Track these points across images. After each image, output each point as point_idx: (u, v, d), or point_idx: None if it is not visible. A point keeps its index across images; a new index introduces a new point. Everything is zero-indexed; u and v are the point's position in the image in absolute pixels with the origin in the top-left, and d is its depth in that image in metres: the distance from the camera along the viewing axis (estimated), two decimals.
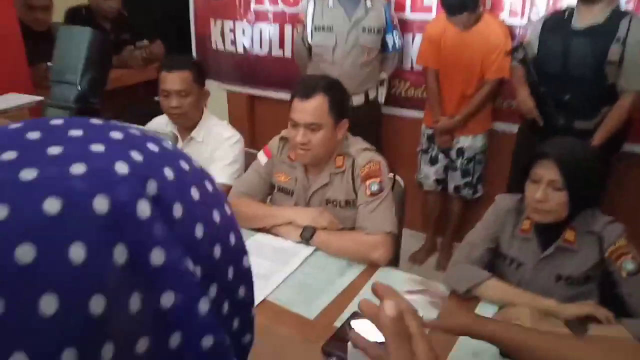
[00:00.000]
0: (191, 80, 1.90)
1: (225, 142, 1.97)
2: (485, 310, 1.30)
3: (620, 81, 2.04)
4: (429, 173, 2.84)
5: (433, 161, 2.81)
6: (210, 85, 3.68)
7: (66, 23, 2.84)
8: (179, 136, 2.01)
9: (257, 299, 1.33)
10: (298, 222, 1.59)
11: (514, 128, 2.59)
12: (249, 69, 3.48)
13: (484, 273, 1.35)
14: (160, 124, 2.07)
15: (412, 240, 3.04)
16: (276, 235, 1.64)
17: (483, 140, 2.69)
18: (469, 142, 2.68)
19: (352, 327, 1.06)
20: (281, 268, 1.48)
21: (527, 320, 1.16)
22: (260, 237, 1.64)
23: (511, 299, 1.28)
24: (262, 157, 1.75)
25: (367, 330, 1.08)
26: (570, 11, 2.12)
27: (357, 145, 1.64)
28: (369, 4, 2.60)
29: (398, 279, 1.44)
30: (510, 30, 2.50)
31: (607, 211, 1.95)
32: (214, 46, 3.61)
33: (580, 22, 2.07)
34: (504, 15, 2.56)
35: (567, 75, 2.10)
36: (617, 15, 2.01)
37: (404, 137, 3.04)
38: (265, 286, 1.40)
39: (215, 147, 1.97)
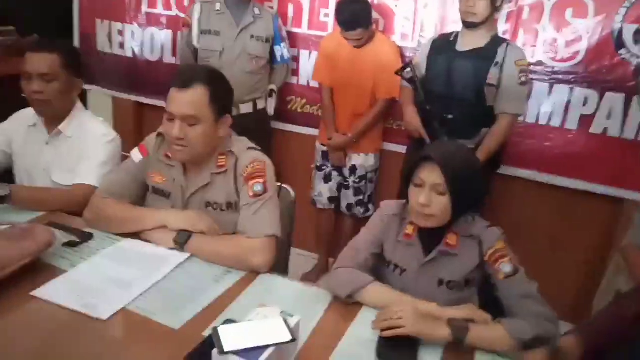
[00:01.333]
0: (58, 65, 1.68)
1: (99, 139, 1.76)
2: (367, 315, 1.23)
3: (497, 104, 2.16)
4: (322, 191, 2.82)
5: (327, 179, 2.79)
6: (95, 90, 3.40)
7: None
8: (45, 129, 1.77)
9: (114, 308, 1.15)
10: (172, 226, 1.43)
11: (404, 149, 2.66)
12: (138, 74, 3.26)
13: (367, 277, 1.30)
14: (27, 116, 1.82)
15: (303, 260, 2.97)
16: (146, 241, 1.46)
17: (374, 159, 2.73)
18: (362, 160, 2.70)
19: (219, 331, 0.94)
20: (147, 275, 1.31)
21: (410, 318, 1.12)
22: (127, 243, 1.45)
23: (393, 303, 1.24)
24: (135, 154, 1.57)
25: (235, 336, 0.97)
26: (456, 35, 2.24)
27: (242, 144, 1.53)
28: (257, 11, 2.58)
29: (280, 287, 1.34)
30: (401, 52, 2.59)
31: None
32: (99, 48, 3.35)
33: (464, 45, 2.18)
34: (396, 38, 2.64)
35: (451, 95, 2.19)
36: (496, 41, 2.15)
37: (298, 153, 2.99)
38: (125, 294, 1.22)
39: (87, 144, 1.75)
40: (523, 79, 2.13)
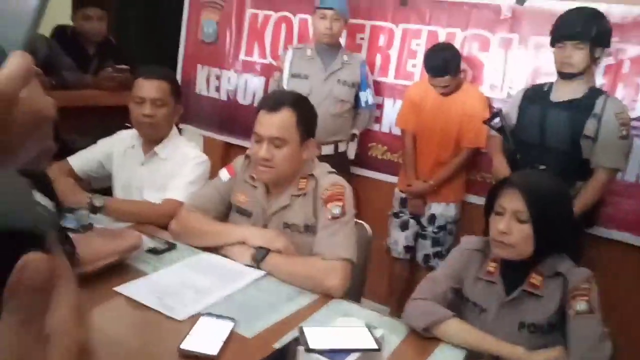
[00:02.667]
0: (168, 91, 1.83)
1: (191, 160, 1.86)
2: (446, 353, 1.15)
3: (593, 157, 2.04)
4: (398, 239, 2.75)
5: (403, 226, 2.73)
6: (188, 129, 3.65)
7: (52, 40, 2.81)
8: (142, 151, 1.91)
9: (189, 311, 1.16)
10: (251, 242, 1.45)
11: None
12: (229, 116, 3.46)
13: (446, 311, 1.22)
14: (127, 137, 1.97)
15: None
16: (225, 256, 1.48)
17: (455, 210, 2.64)
18: (441, 209, 2.62)
19: (304, 330, 0.92)
20: (223, 286, 1.32)
21: None
22: (207, 256, 1.49)
23: (474, 342, 1.15)
24: (224, 174, 1.64)
25: (320, 337, 0.94)
26: (550, 85, 2.18)
27: (322, 168, 1.55)
28: (345, 58, 2.67)
29: (354, 313, 1.29)
30: (489, 103, 2.55)
31: None
32: (197, 91, 3.61)
33: (558, 96, 2.11)
34: (484, 88, 2.62)
35: (543, 146, 2.11)
36: (594, 93, 2.06)
37: (376, 200, 2.96)
38: (200, 300, 1.23)
39: (179, 165, 1.85)
40: (624, 132, 2.00)
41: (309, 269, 1.37)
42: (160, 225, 1.67)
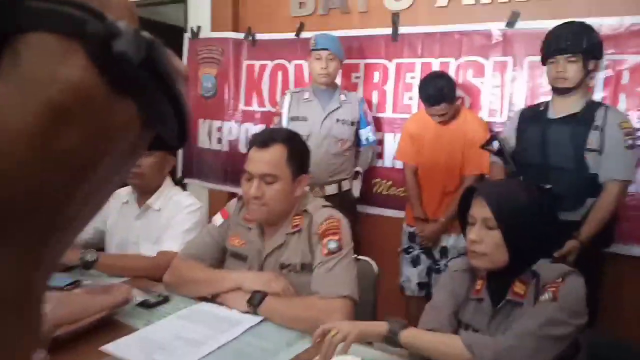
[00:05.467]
0: None
1: (185, 209, 1.82)
2: None
3: (601, 171, 1.96)
4: (411, 275, 2.64)
5: (415, 262, 2.63)
6: (193, 184, 3.65)
7: None
8: (136, 205, 1.88)
9: None
10: (247, 287, 1.38)
11: None
12: (232, 166, 3.45)
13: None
14: (121, 194, 1.95)
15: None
16: (221, 304, 1.41)
17: None
18: (453, 241, 2.52)
19: None
20: (218, 335, 1.24)
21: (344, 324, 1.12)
22: (202, 306, 1.42)
23: None
24: (217, 218, 1.60)
25: None
26: (546, 104, 2.13)
27: (317, 202, 1.49)
28: (343, 97, 2.67)
29: (360, 355, 1.20)
30: (490, 127, 2.50)
31: (606, 317, 1.78)
32: (200, 144, 3.64)
33: (556, 112, 2.06)
34: (483, 113, 2.58)
35: (547, 165, 2.03)
36: (593, 105, 2.01)
37: (385, 238, 2.88)
38: (193, 352, 1.15)
39: (173, 214, 1.81)
40: (630, 142, 1.93)
41: (307, 310, 1.29)
42: (156, 279, 1.61)
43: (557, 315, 1.08)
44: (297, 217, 1.46)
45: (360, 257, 1.69)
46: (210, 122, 3.58)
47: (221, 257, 1.57)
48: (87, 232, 1.94)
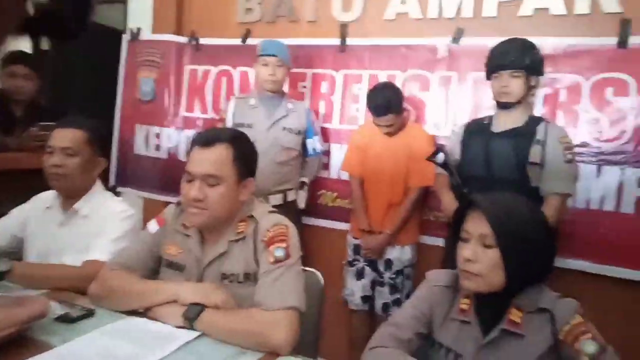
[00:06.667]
0: (82, 140, 1.66)
1: (116, 215, 1.67)
2: None
3: (542, 185, 2.00)
4: (355, 288, 2.59)
5: (359, 275, 2.58)
6: (127, 192, 3.42)
7: None
8: (61, 210, 1.70)
9: None
10: (183, 299, 1.25)
11: (442, 242, 2.47)
12: (171, 175, 3.28)
13: None
14: (45, 198, 1.77)
15: None
16: (154, 319, 1.28)
17: (412, 253, 2.52)
18: (397, 253, 2.50)
19: None
20: (146, 353, 1.11)
21: None
22: (130, 320, 1.27)
23: None
24: (152, 225, 1.46)
25: None
26: (490, 118, 2.16)
27: (263, 207, 1.40)
28: (290, 106, 2.62)
29: None
30: (435, 141, 2.51)
31: None
32: (136, 151, 3.44)
33: (500, 126, 2.09)
34: (428, 127, 2.60)
35: (491, 177, 2.06)
36: (534, 120, 2.06)
37: (329, 250, 2.81)
38: None
39: (103, 221, 1.65)
40: (569, 156, 1.99)
41: (249, 324, 1.18)
42: (80, 291, 1.44)
43: None
44: (241, 223, 1.36)
45: (306, 268, 1.61)
46: (148, 128, 3.40)
47: (155, 267, 1.44)
48: (3, 239, 1.74)
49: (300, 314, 1.22)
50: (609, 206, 2.22)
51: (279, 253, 1.27)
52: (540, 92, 2.31)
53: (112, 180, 3.50)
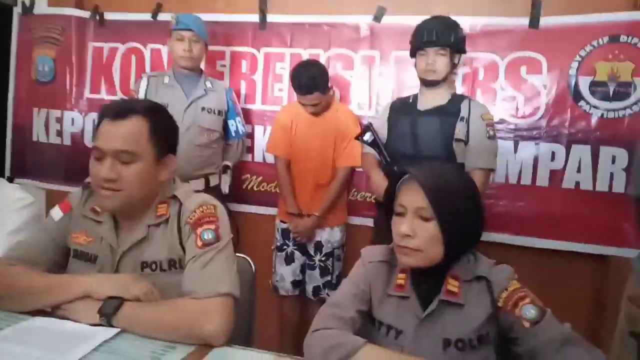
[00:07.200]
0: None
1: (13, 204, 1.46)
2: None
3: (467, 160, 2.03)
4: (285, 274, 2.51)
5: (289, 260, 2.51)
6: (26, 184, 3.07)
7: None
8: None
9: None
10: (98, 293, 1.10)
11: (370, 221, 2.46)
12: (76, 162, 2.99)
13: (357, 339, 1.00)
14: None
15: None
16: (64, 317, 1.11)
17: (340, 234, 2.49)
18: (327, 235, 2.46)
19: None
20: (58, 357, 0.96)
21: None
22: (35, 322, 1.10)
23: None
24: (56, 212, 1.28)
25: None
26: (415, 96, 2.16)
27: (187, 188, 1.27)
28: (208, 85, 2.46)
29: None
30: (359, 121, 2.49)
31: None
32: (35, 138, 3.09)
33: (425, 104, 2.10)
34: (353, 107, 2.57)
35: (418, 155, 2.06)
36: (458, 98, 2.09)
37: (256, 237, 2.70)
38: None
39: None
40: (491, 132, 2.04)
41: (176, 315, 1.06)
42: None
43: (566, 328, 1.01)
44: (162, 205, 1.22)
45: (237, 254, 1.50)
46: (48, 112, 3.07)
47: (62, 259, 1.26)
48: None
49: (235, 300, 1.12)
50: (526, 180, 2.32)
51: (208, 235, 1.16)
52: (460, 71, 2.35)
53: (7, 171, 3.13)
